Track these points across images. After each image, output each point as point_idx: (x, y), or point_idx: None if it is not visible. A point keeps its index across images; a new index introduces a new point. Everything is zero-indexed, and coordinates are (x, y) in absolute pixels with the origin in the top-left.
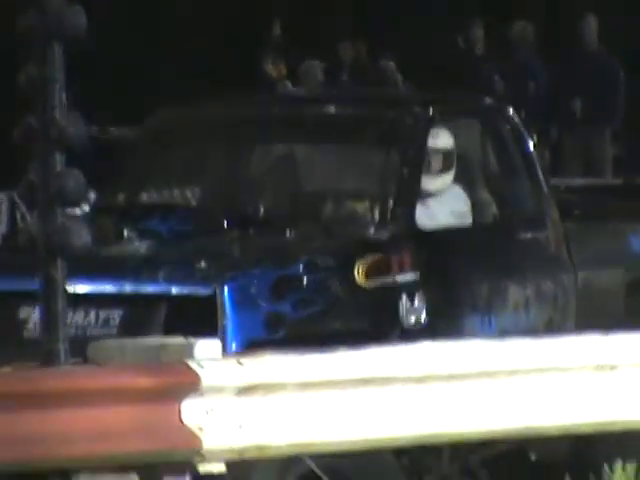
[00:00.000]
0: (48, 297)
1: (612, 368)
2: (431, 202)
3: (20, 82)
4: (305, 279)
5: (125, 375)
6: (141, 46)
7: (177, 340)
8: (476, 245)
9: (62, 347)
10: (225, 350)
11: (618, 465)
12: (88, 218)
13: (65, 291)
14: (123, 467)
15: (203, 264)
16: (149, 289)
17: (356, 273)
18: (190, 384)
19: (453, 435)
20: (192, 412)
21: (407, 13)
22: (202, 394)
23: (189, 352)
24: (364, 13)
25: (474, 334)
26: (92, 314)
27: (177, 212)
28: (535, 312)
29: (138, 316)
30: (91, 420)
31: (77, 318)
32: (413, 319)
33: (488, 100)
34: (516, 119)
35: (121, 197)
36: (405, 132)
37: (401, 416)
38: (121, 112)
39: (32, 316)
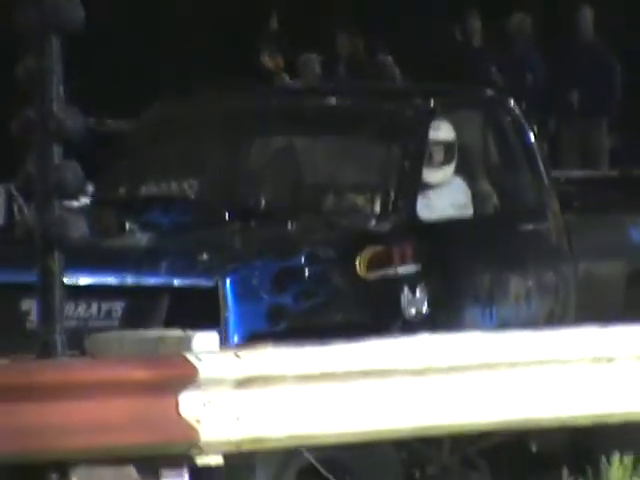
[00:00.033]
0: (45, 289)
1: (609, 360)
2: (432, 194)
3: (18, 74)
4: (307, 271)
5: (123, 367)
6: (141, 46)
7: (175, 332)
8: (477, 237)
9: (59, 339)
10: (227, 342)
11: (616, 457)
12: (86, 210)
13: (63, 283)
14: (121, 459)
15: (205, 256)
16: (151, 281)
17: (357, 265)
18: (188, 376)
19: (453, 427)
20: (190, 404)
21: (405, 7)
22: (200, 386)
23: (187, 344)
24: (362, 7)
25: (475, 326)
26: (94, 306)
27: (179, 204)
28: (536, 303)
29: (140, 308)
30: (89, 412)
31: (79, 310)
32: (414, 311)
33: (489, 92)
34: (517, 111)
35: (123, 189)
36: (406, 124)
37: (401, 408)
38: (119, 105)
39: (34, 308)
